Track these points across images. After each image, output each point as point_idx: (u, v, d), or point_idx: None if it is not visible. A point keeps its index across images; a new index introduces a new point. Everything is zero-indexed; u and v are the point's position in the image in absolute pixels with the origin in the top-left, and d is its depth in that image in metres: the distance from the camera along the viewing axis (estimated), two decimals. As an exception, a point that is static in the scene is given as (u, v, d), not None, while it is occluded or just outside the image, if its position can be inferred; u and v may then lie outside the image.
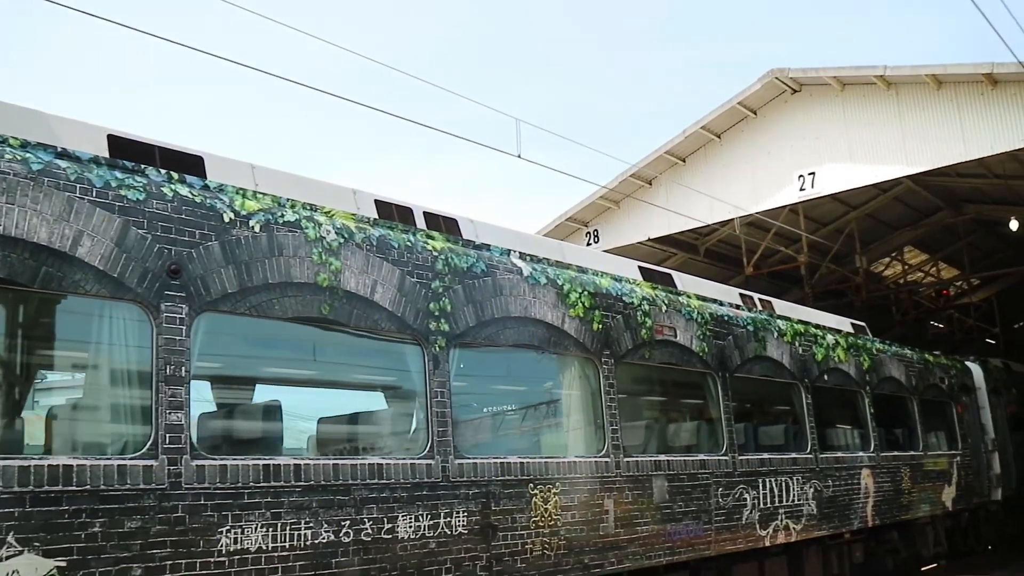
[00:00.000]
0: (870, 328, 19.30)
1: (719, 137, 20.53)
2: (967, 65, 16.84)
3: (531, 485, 7.93)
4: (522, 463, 7.93)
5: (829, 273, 27.63)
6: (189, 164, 6.98)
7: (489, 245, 8.53)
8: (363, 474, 6.66)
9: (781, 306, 13.84)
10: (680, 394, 10.86)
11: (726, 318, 11.27)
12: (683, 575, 10.00)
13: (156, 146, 6.98)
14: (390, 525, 6.77)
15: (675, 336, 10.24)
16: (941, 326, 32.90)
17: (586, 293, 9.11)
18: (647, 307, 9.87)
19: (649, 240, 21.64)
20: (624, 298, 9.60)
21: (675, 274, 11.82)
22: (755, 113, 20.18)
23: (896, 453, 15.17)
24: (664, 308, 10.17)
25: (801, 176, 19.00)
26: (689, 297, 10.89)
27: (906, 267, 31.15)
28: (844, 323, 15.93)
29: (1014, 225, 21.63)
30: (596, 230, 22.35)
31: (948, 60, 17.42)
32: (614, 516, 8.73)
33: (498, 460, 7.75)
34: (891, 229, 28.20)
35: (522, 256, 8.77)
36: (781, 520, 11.41)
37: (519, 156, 11.70)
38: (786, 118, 19.72)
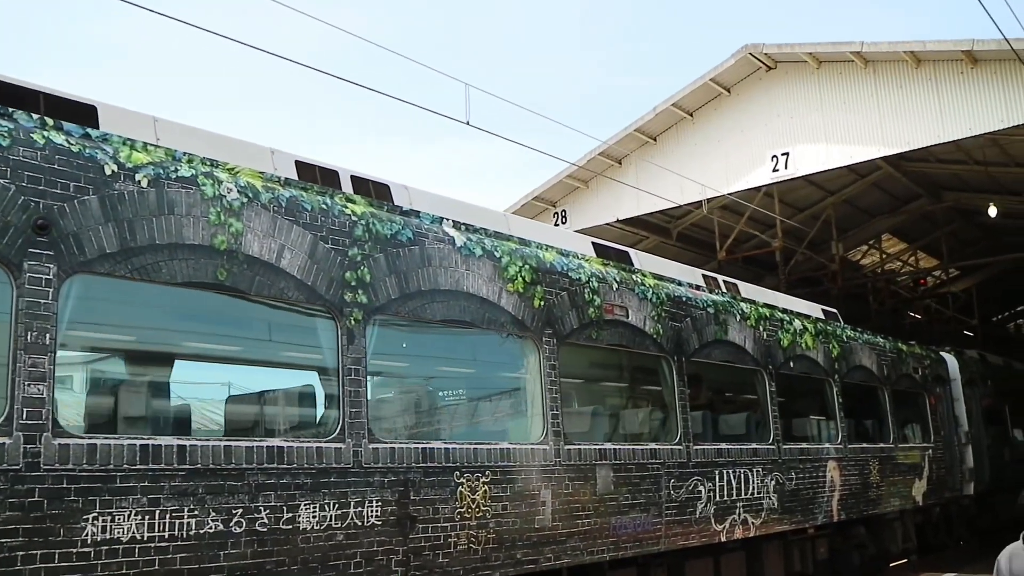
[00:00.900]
0: (846, 318, 18.85)
1: (691, 116, 19.98)
2: (947, 42, 16.35)
3: (457, 473, 7.36)
4: (447, 449, 7.35)
5: (805, 260, 27.19)
6: (80, 114, 6.37)
7: (419, 212, 7.93)
8: (260, 457, 6.06)
9: (747, 289, 13.34)
10: (631, 378, 10.30)
11: (684, 299, 10.73)
12: (630, 571, 9.47)
13: (41, 92, 6.37)
14: (290, 515, 6.18)
15: (627, 316, 9.67)
16: (919, 316, 32.54)
17: (527, 267, 8.53)
18: (596, 284, 9.30)
19: (618, 221, 21.09)
20: (570, 274, 9.03)
21: (633, 252, 11.29)
22: (728, 91, 19.64)
23: (865, 445, 14.70)
24: (616, 286, 9.61)
25: (775, 157, 18.48)
26: (644, 276, 10.33)
27: (884, 256, 30.77)
28: (814, 309, 15.44)
29: (992, 211, 21.23)
30: (564, 210, 21.79)
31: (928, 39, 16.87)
32: (552, 508, 8.17)
33: (419, 445, 7.18)
34: (869, 216, 27.79)
35: (456, 225, 8.17)
36: (739, 514, 10.89)
37: (468, 123, 11.11)
38: (760, 96, 19.18)
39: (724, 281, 12.86)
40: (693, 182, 18.59)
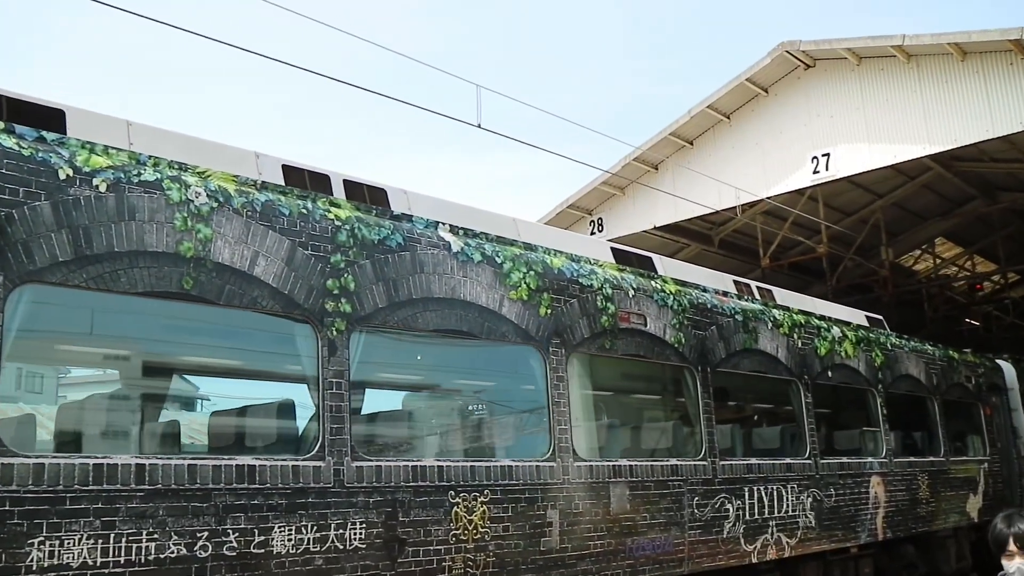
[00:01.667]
0: (900, 326, 18.19)
1: (728, 118, 19.45)
2: (993, 31, 15.65)
3: (452, 493, 6.97)
4: (441, 467, 6.96)
5: (855, 267, 26.43)
6: (46, 118, 6.12)
7: (411, 216, 7.58)
8: (228, 477, 5.73)
9: (783, 296, 12.80)
10: (650, 390, 9.84)
11: (710, 306, 10.25)
12: (651, 595, 9.01)
13: (4, 96, 6.13)
14: (263, 538, 5.83)
15: (645, 324, 9.23)
16: (977, 324, 31.47)
17: (532, 273, 8.13)
18: (610, 291, 8.87)
19: (655, 228, 20.58)
20: (581, 280, 8.61)
21: (657, 258, 10.84)
22: (766, 91, 19.08)
23: (913, 459, 14.04)
24: (632, 293, 9.17)
25: (815, 158, 17.89)
26: (665, 282, 9.88)
27: (938, 261, 29.83)
28: (857, 316, 14.82)
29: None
30: (600, 218, 21.35)
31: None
32: (560, 529, 7.74)
33: (409, 463, 6.80)
34: (921, 219, 26.93)
35: (453, 229, 7.81)
36: (772, 533, 10.36)
37: (479, 126, 10.76)
38: (799, 96, 18.59)
39: (758, 287, 12.35)
40: (732, 187, 18.05)
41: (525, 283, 8.04)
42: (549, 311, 8.17)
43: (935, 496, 14.38)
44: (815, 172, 17.88)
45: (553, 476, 7.79)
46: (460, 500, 7.01)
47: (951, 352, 16.52)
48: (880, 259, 24.51)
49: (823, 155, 17.77)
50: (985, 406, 17.24)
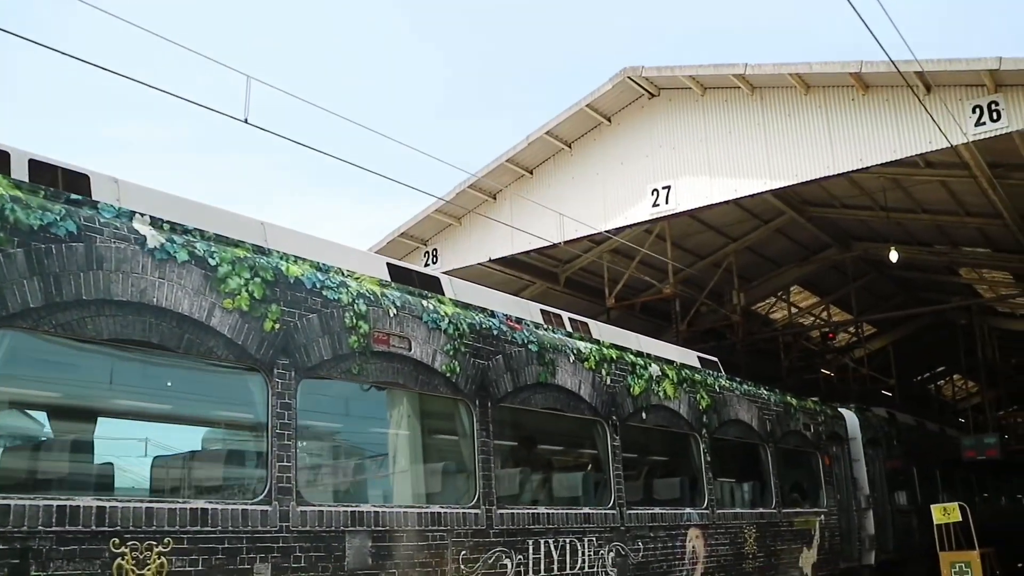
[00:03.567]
0: (756, 375, 17.49)
1: (570, 147, 18.68)
2: (834, 64, 15.28)
3: (116, 541, 5.65)
4: (100, 508, 5.65)
5: (709, 312, 26.01)
6: None
7: (96, 202, 6.31)
8: None
9: (601, 330, 11.87)
10: (412, 425, 8.66)
11: (496, 332, 9.19)
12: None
13: None
14: None
15: (408, 349, 8.09)
16: (831, 374, 31.47)
17: (258, 280, 6.93)
18: (363, 307, 7.72)
19: (492, 261, 19.62)
20: (325, 293, 7.45)
21: (446, 279, 9.76)
22: (609, 120, 18.41)
23: (740, 510, 13.22)
24: (395, 312, 8.04)
25: (655, 190, 17.21)
26: (441, 303, 8.79)
27: (794, 310, 29.74)
28: (689, 356, 14.02)
29: (894, 256, 20.21)
30: (435, 249, 20.29)
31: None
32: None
33: (53, 502, 5.46)
34: (775, 266, 26.77)
35: (154, 222, 6.56)
36: (562, 592, 9.29)
37: (246, 121, 9.57)
38: (642, 126, 17.97)
39: (571, 319, 11.39)
40: (570, 219, 17.22)
41: (247, 291, 6.83)
42: (277, 325, 6.98)
43: (764, 550, 13.58)
44: (655, 205, 17.20)
45: (267, 522, 6.55)
46: (127, 550, 5.70)
47: (788, 398, 15.89)
48: (732, 304, 24.06)
49: (664, 187, 17.12)
50: (824, 456, 16.66)
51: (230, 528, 6.31)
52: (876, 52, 15.22)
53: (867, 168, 15.92)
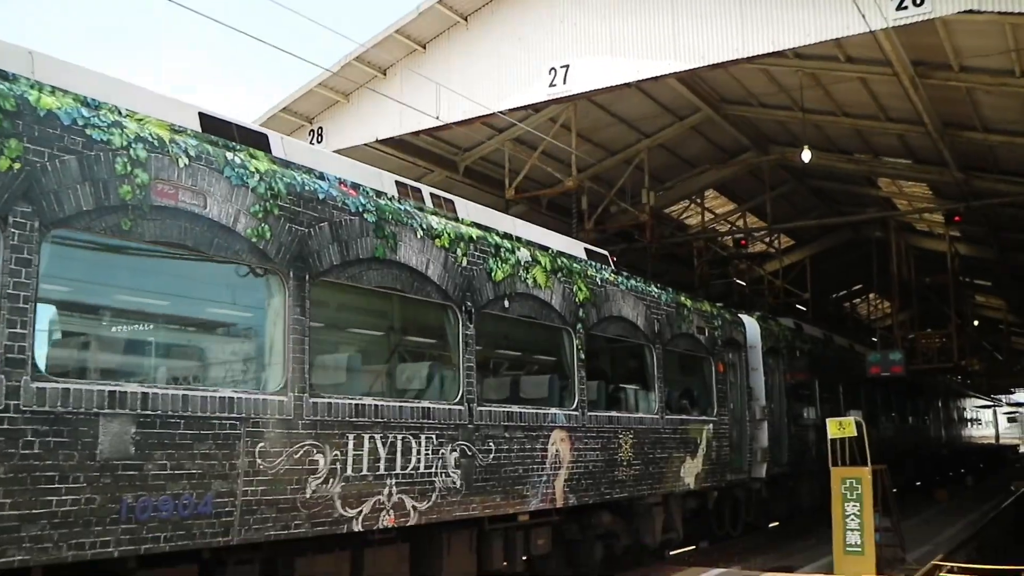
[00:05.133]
0: (669, 280, 16.63)
1: (465, 20, 17.32)
2: (747, -67, 14.13)
3: None
4: None
5: (620, 212, 25.07)
6: None
7: None
8: None
9: (469, 209, 10.80)
10: (204, 294, 7.55)
11: (322, 196, 8.06)
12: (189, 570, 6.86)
13: None
14: None
15: (204, 207, 6.95)
16: (743, 284, 30.98)
17: (-7, 110, 5.70)
18: (142, 153, 6.54)
19: (379, 142, 18.35)
20: (90, 132, 6.23)
21: (276, 137, 8.55)
22: (508, -10, 17.06)
23: (614, 414, 12.42)
24: (186, 162, 6.86)
25: (553, 69, 16.01)
26: (253, 157, 7.63)
27: (709, 216, 28.99)
28: (576, 247, 13.04)
29: (807, 156, 19.34)
30: (321, 128, 18.94)
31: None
32: (-7, 481, 5.42)
33: None
34: (690, 167, 25.86)
35: None
36: (390, 495, 8.37)
37: None
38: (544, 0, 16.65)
39: (432, 194, 10.29)
40: (457, 94, 16.01)
41: (-24, 121, 5.61)
42: (16, 166, 5.77)
43: (641, 458, 12.86)
44: (551, 85, 16.00)
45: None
46: None
47: (682, 297, 15.08)
48: (643, 204, 23.12)
49: (562, 67, 15.92)
50: (718, 362, 15.97)
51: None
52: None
53: (780, 52, 14.90)
